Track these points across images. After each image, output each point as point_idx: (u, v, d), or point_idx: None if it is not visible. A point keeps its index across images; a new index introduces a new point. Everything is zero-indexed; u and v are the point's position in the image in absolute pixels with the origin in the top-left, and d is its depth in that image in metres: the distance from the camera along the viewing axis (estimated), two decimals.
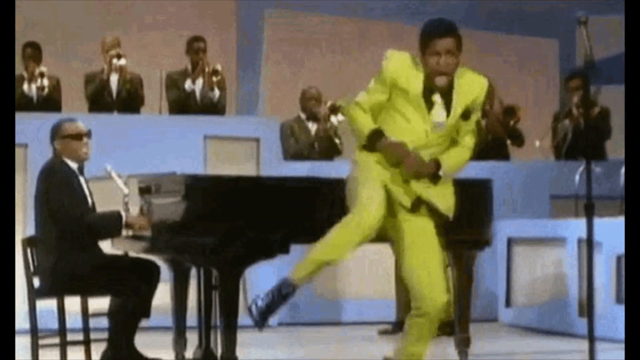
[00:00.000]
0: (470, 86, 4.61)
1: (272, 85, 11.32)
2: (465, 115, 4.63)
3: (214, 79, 8.77)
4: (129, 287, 5.34)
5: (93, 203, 5.57)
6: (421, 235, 4.64)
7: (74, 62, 9.97)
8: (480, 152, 8.70)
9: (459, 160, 4.67)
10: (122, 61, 8.74)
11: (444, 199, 4.68)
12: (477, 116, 4.72)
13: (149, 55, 10.22)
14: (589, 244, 4.55)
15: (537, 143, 9.34)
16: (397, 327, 7.35)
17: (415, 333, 4.73)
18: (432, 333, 4.73)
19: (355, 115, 4.63)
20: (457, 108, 4.59)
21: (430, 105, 4.57)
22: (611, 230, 6.80)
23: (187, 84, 8.84)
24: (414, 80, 4.57)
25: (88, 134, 5.57)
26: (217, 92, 8.83)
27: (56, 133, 5.56)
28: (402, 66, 4.60)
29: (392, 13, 11.32)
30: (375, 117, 4.62)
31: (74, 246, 5.36)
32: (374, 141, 4.55)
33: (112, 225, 5.37)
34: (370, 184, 4.59)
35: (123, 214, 5.39)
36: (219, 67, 8.82)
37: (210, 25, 10.92)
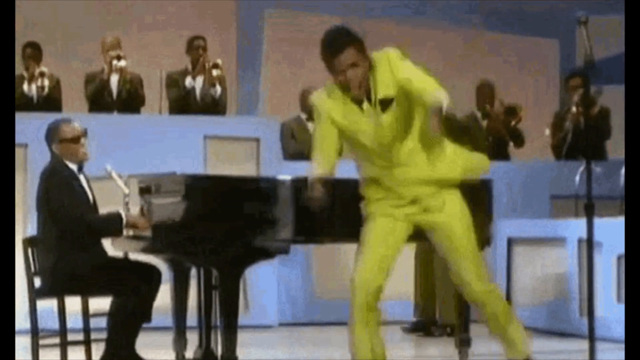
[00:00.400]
0: (381, 76, 4.44)
1: (272, 85, 11.32)
2: (386, 103, 4.46)
3: (214, 72, 8.76)
4: (130, 287, 5.33)
5: (94, 201, 5.56)
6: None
7: (74, 62, 9.97)
8: (482, 152, 8.73)
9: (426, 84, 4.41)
10: (122, 63, 8.74)
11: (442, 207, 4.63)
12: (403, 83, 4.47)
13: (149, 55, 10.22)
14: (589, 244, 4.55)
15: (547, 131, 9.37)
16: (418, 326, 7.45)
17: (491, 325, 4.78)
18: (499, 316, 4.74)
19: (316, 149, 4.57)
20: (377, 106, 4.47)
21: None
22: (611, 230, 6.79)
23: (188, 81, 8.84)
24: (342, 108, 4.49)
25: (85, 134, 5.55)
26: (218, 89, 8.82)
27: (53, 137, 5.53)
28: (329, 104, 4.52)
29: (392, 13, 11.32)
30: (336, 146, 4.56)
31: (75, 246, 5.36)
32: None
33: (112, 225, 5.36)
34: (367, 245, 4.62)
35: (123, 214, 5.39)
36: (219, 61, 8.82)
37: (210, 25, 10.92)
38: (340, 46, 4.39)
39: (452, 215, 4.65)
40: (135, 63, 9.06)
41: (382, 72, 4.48)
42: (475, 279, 4.69)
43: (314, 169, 4.55)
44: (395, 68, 4.46)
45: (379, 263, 4.62)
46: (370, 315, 4.65)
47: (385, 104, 4.48)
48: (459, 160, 4.69)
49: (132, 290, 5.35)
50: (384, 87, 4.46)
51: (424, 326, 7.53)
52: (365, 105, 4.50)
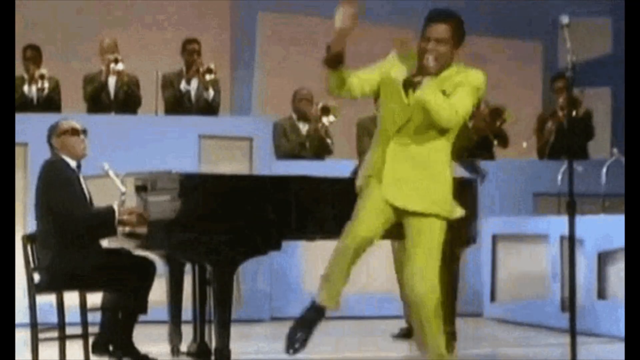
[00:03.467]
0: (457, 77, 4.52)
1: (266, 85, 11.31)
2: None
3: (207, 77, 8.76)
4: (127, 284, 5.33)
5: (90, 201, 5.57)
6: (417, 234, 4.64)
7: (73, 62, 9.94)
8: (467, 152, 8.76)
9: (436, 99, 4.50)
10: (120, 66, 8.73)
11: (427, 198, 4.65)
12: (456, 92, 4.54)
13: (149, 54, 10.19)
14: (571, 241, 4.57)
15: (525, 144, 9.36)
16: (411, 333, 7.13)
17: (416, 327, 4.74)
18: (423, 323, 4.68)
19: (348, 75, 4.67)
20: (437, 87, 4.51)
21: (412, 89, 4.54)
22: (592, 228, 6.83)
23: (182, 85, 8.84)
24: (403, 70, 4.58)
25: (84, 132, 5.57)
26: (211, 92, 8.83)
27: (53, 131, 5.55)
28: (396, 61, 4.63)
29: (388, 15, 11.31)
30: (358, 83, 4.65)
31: (73, 243, 5.36)
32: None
33: (105, 217, 5.34)
34: (364, 208, 4.64)
35: (116, 207, 5.37)
36: (212, 66, 8.82)
37: (208, 25, 10.90)
38: (440, 17, 4.52)
39: (429, 229, 4.66)
40: (134, 63, 9.04)
41: (460, 76, 4.53)
42: (421, 278, 4.63)
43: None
44: (458, 85, 4.50)
45: (375, 225, 4.67)
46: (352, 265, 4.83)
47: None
48: (448, 198, 4.69)
49: (129, 288, 5.36)
50: (442, 80, 4.51)
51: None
52: (424, 79, 4.51)
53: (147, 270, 5.43)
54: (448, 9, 4.61)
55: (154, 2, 11.13)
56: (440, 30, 4.50)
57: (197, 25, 10.68)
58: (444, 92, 4.50)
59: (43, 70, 8.72)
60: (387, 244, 7.06)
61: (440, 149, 4.63)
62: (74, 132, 5.51)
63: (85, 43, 10.19)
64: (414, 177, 4.61)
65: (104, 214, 5.36)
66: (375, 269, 8.29)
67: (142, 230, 5.35)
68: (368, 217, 4.63)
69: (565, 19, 4.59)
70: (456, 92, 4.50)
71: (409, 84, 4.55)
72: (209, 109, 8.80)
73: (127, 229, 5.40)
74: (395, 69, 4.60)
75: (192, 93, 8.86)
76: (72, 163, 5.51)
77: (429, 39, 4.51)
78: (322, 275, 4.79)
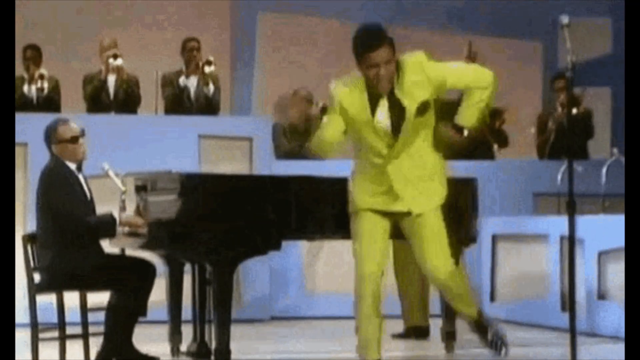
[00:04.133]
0: (412, 77, 4.59)
1: (265, 85, 11.31)
2: (422, 109, 4.63)
3: (207, 69, 8.75)
4: (127, 285, 5.33)
5: (92, 200, 5.56)
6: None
7: (73, 62, 9.93)
8: (466, 152, 8.77)
9: (474, 104, 4.71)
10: (119, 61, 8.74)
11: (425, 197, 4.71)
12: (450, 79, 4.69)
13: (149, 54, 10.18)
14: (570, 241, 4.56)
15: (532, 129, 9.40)
16: (409, 333, 6.96)
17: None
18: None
19: (321, 139, 4.78)
20: (411, 106, 4.61)
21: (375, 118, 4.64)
22: (592, 227, 6.82)
23: (182, 80, 8.83)
24: (360, 99, 4.63)
25: (82, 134, 5.54)
26: (211, 88, 8.81)
27: (52, 137, 5.51)
28: (347, 93, 4.66)
29: (386, 15, 11.30)
30: (339, 132, 4.73)
31: (73, 244, 5.35)
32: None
33: (106, 228, 5.36)
34: (363, 237, 4.80)
35: (117, 216, 5.38)
36: (211, 58, 8.81)
37: (208, 25, 10.89)
38: (379, 42, 4.55)
39: (428, 210, 4.80)
40: (134, 62, 9.04)
41: (413, 73, 4.61)
42: (441, 263, 4.83)
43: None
44: (428, 68, 4.62)
45: (380, 256, 4.80)
46: (378, 306, 4.84)
47: (421, 107, 4.62)
48: (444, 184, 4.84)
49: (129, 289, 5.35)
50: (417, 89, 4.60)
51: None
52: (383, 102, 4.62)
53: (146, 271, 5.42)
54: (375, 27, 4.63)
55: (154, 2, 11.12)
56: (384, 53, 4.54)
57: (197, 25, 10.67)
58: (423, 104, 4.60)
59: (43, 71, 8.73)
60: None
61: (427, 140, 4.76)
62: (73, 139, 5.48)
63: (85, 43, 10.18)
64: (417, 179, 4.71)
65: (104, 223, 5.36)
66: None
67: (142, 230, 5.35)
68: (368, 253, 4.77)
69: (565, 19, 4.59)
70: (450, 75, 4.65)
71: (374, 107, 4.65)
72: (209, 105, 8.79)
73: (127, 229, 5.40)
74: (350, 101, 4.65)
75: (192, 90, 8.85)
76: (72, 165, 5.50)
77: (377, 65, 4.54)
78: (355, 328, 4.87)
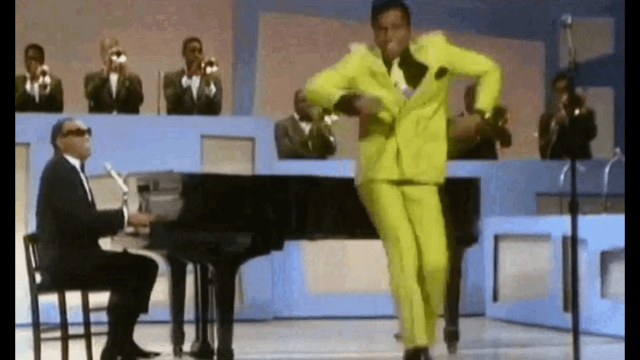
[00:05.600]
0: (431, 46, 4.70)
1: (267, 85, 11.32)
2: (441, 72, 4.70)
3: (209, 69, 8.75)
4: (128, 284, 5.33)
5: (93, 201, 5.57)
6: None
7: (74, 62, 9.91)
8: (469, 152, 8.77)
9: (492, 87, 4.78)
10: (122, 58, 8.74)
11: (427, 167, 4.75)
12: (462, 61, 4.79)
13: (149, 54, 10.17)
14: (573, 241, 4.57)
15: (535, 134, 9.40)
16: None
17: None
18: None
19: (318, 84, 4.69)
20: (431, 69, 4.67)
21: (391, 77, 4.69)
22: (595, 227, 6.82)
23: (184, 80, 8.84)
24: (375, 60, 4.68)
25: (89, 132, 5.56)
26: (212, 88, 8.82)
27: (58, 131, 5.55)
28: (364, 54, 4.72)
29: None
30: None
31: (74, 243, 5.36)
32: (350, 102, 4.59)
33: (114, 222, 5.35)
34: (389, 208, 4.72)
35: (126, 211, 5.38)
36: (213, 59, 8.82)
37: (209, 25, 10.89)
38: (388, 5, 4.63)
39: (430, 197, 4.80)
40: (134, 62, 9.04)
41: (434, 47, 4.70)
42: (441, 255, 4.78)
43: (332, 99, 4.64)
44: (446, 46, 4.73)
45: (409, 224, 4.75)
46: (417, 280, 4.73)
47: (440, 71, 4.69)
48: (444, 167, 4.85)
49: (130, 288, 5.35)
50: (435, 56, 4.68)
51: None
52: (395, 70, 4.67)
53: (147, 270, 5.42)
54: None
55: (154, 2, 11.10)
56: (394, 16, 4.64)
57: (198, 25, 10.66)
58: (442, 68, 4.68)
59: (45, 67, 8.72)
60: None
61: (441, 115, 4.79)
62: (79, 132, 5.51)
63: (85, 43, 10.16)
64: (426, 149, 4.74)
65: (114, 215, 5.36)
66: (378, 269, 8.30)
67: (144, 230, 5.35)
68: (401, 224, 4.70)
69: (568, 19, 4.59)
70: (465, 56, 4.76)
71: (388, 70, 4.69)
72: (211, 106, 8.80)
73: (131, 229, 5.40)
74: (368, 60, 4.70)
75: (194, 90, 8.85)
76: (76, 163, 5.51)
77: (385, 27, 4.63)
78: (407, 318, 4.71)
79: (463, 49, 4.81)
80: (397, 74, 4.72)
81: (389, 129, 4.72)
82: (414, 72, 4.70)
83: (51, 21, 10.58)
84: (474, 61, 4.82)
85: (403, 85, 4.72)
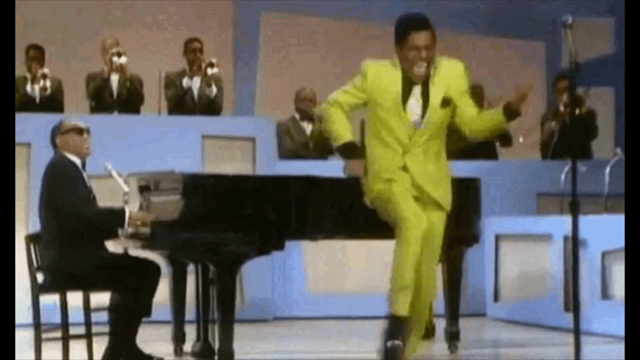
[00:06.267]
0: (447, 73, 4.72)
1: (268, 85, 11.32)
2: (445, 102, 4.71)
3: (210, 71, 8.75)
4: (129, 285, 5.33)
5: (94, 198, 5.57)
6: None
7: (74, 62, 9.92)
8: (469, 152, 8.77)
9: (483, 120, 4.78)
10: (123, 59, 8.74)
11: (442, 193, 4.80)
12: (465, 98, 4.77)
13: (149, 54, 10.17)
14: (574, 241, 4.57)
15: (521, 139, 9.38)
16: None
17: None
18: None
19: (333, 115, 4.78)
20: (436, 97, 4.70)
21: (406, 100, 4.70)
22: (596, 227, 6.83)
23: (185, 81, 8.84)
24: (392, 83, 4.69)
25: (88, 131, 5.57)
26: (213, 89, 8.82)
27: (57, 130, 5.55)
28: (379, 72, 4.72)
29: (389, 15, 11.25)
30: (349, 116, 4.78)
31: (76, 243, 5.36)
32: (347, 154, 4.75)
33: (115, 218, 5.34)
34: (399, 197, 4.74)
35: (127, 209, 5.38)
36: (214, 60, 8.82)
37: (209, 25, 10.89)
38: (425, 25, 4.66)
39: (439, 227, 4.88)
40: (134, 62, 9.04)
41: (446, 72, 4.72)
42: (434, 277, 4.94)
43: (338, 139, 4.77)
44: (458, 80, 4.74)
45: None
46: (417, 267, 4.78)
47: (445, 103, 4.72)
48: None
49: (131, 287, 5.36)
50: (440, 85, 4.70)
51: None
52: (417, 91, 4.69)
53: (147, 271, 5.41)
54: (421, 15, 4.73)
55: (154, 2, 11.09)
56: (427, 37, 4.64)
57: (198, 25, 10.66)
58: (446, 98, 4.70)
59: (45, 70, 8.73)
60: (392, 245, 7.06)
61: (443, 146, 4.85)
62: (78, 131, 5.52)
63: (85, 43, 10.16)
64: (436, 174, 4.79)
65: (116, 213, 5.36)
66: (378, 269, 8.30)
67: (145, 229, 5.35)
68: (413, 210, 4.70)
69: (569, 19, 4.59)
70: (467, 101, 4.74)
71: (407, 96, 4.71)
72: (212, 106, 8.80)
73: (131, 229, 5.40)
74: (385, 83, 4.70)
75: (195, 90, 8.85)
76: (77, 161, 5.52)
77: (417, 47, 4.62)
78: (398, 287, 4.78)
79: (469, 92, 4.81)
80: (413, 101, 4.72)
81: (400, 159, 4.76)
82: (426, 101, 4.72)
83: (51, 21, 10.58)
84: (472, 105, 4.79)
85: (416, 115, 4.73)
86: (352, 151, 4.74)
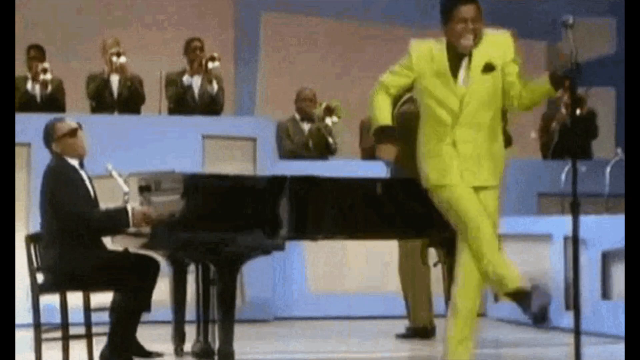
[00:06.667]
0: (491, 42, 4.76)
1: (268, 85, 11.33)
2: (488, 68, 4.74)
3: (211, 65, 8.75)
4: (129, 284, 5.34)
5: (96, 197, 5.57)
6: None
7: (74, 62, 9.92)
8: None
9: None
10: (123, 59, 8.74)
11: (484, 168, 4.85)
12: (510, 67, 4.80)
13: (149, 54, 10.18)
14: (574, 241, 4.57)
15: (533, 134, 9.39)
16: (413, 333, 6.94)
17: None
18: None
19: (375, 101, 4.84)
20: (478, 62, 4.73)
21: (456, 74, 4.73)
22: (596, 228, 6.83)
23: (185, 79, 8.83)
24: (439, 56, 4.74)
25: (80, 127, 5.55)
26: (215, 86, 8.81)
27: (50, 135, 5.52)
28: (424, 48, 4.78)
29: (388, 15, 11.27)
30: (397, 97, 4.88)
31: (76, 243, 5.36)
32: (378, 138, 4.78)
33: (118, 220, 5.33)
34: (463, 198, 4.82)
35: (129, 208, 5.36)
36: (215, 54, 8.81)
37: (209, 25, 10.91)
38: None
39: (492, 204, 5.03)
40: (135, 62, 9.05)
41: (490, 43, 4.76)
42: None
43: (374, 124, 4.83)
44: (503, 49, 4.78)
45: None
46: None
47: (488, 68, 4.74)
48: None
49: (131, 288, 5.36)
50: (483, 53, 4.73)
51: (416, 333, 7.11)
52: (463, 67, 4.73)
53: (147, 269, 5.42)
54: None
55: (154, 2, 11.11)
56: (473, 10, 4.70)
57: (198, 25, 10.68)
58: (488, 64, 4.72)
59: (45, 64, 8.70)
60: (392, 245, 7.08)
61: (498, 122, 4.88)
62: (72, 133, 5.50)
63: (85, 43, 10.18)
64: (485, 151, 4.81)
65: (118, 212, 5.35)
66: (378, 269, 8.31)
67: (147, 227, 5.35)
68: (479, 210, 4.83)
69: (569, 20, 4.59)
70: (512, 71, 4.77)
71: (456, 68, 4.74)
72: (213, 104, 8.79)
73: (132, 228, 5.41)
74: (432, 59, 4.74)
75: (195, 88, 8.85)
76: (75, 163, 5.51)
77: (464, 20, 4.68)
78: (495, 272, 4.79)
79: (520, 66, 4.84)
80: (461, 72, 4.76)
81: (449, 131, 4.77)
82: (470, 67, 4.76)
83: (51, 21, 10.59)
84: (517, 75, 4.82)
85: (463, 85, 4.76)
86: (384, 135, 4.77)
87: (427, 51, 4.77)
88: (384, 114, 4.81)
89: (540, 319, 4.73)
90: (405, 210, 5.50)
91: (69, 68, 9.59)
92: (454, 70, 4.74)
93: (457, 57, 4.73)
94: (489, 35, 4.79)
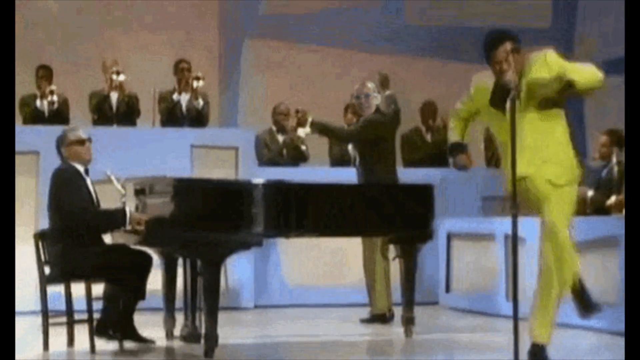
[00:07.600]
0: (538, 71, 4.63)
1: (249, 100, 11.27)
2: (530, 91, 4.63)
3: (195, 84, 8.75)
4: (124, 276, 5.38)
5: (98, 201, 5.59)
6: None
7: (74, 62, 9.63)
8: (425, 161, 8.85)
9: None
10: (122, 77, 8.74)
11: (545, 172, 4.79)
12: (556, 84, 4.60)
13: (149, 54, 10.02)
14: (513, 239, 4.63)
15: (482, 146, 9.44)
16: (375, 319, 6.93)
17: None
18: None
19: (451, 121, 5.03)
20: (523, 91, 4.64)
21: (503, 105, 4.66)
22: (533, 227, 6.89)
23: (175, 96, 8.84)
24: (487, 92, 4.74)
25: (89, 139, 5.59)
26: (200, 102, 8.82)
27: (62, 141, 5.58)
28: (483, 82, 4.79)
29: (368, 43, 10.89)
30: (467, 122, 4.95)
31: (79, 239, 5.38)
32: (452, 152, 4.98)
33: (117, 218, 5.38)
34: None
35: (127, 209, 5.40)
36: (200, 74, 8.82)
37: (204, 30, 10.54)
38: (497, 40, 4.69)
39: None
40: (134, 62, 8.87)
41: (537, 68, 4.66)
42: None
43: (450, 140, 5.01)
44: (552, 63, 4.65)
45: None
46: None
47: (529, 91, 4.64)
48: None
49: (126, 277, 5.38)
50: (525, 78, 4.65)
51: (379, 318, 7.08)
52: (511, 93, 4.61)
53: (143, 262, 5.46)
54: (495, 31, 4.78)
55: (154, 2, 10.52)
56: (502, 52, 4.65)
57: (198, 25, 10.18)
58: (530, 87, 4.63)
59: (53, 87, 8.71)
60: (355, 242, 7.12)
61: (557, 117, 4.74)
62: (80, 142, 5.54)
63: (85, 43, 9.83)
64: (543, 151, 4.71)
65: (118, 212, 5.39)
66: (341, 262, 8.35)
67: (141, 228, 5.38)
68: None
69: (508, 45, 4.61)
70: (563, 66, 4.61)
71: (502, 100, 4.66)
72: (199, 117, 8.82)
73: (129, 227, 5.43)
74: (487, 92, 4.76)
75: (183, 104, 8.87)
76: (80, 168, 5.54)
77: (499, 62, 4.66)
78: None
79: (569, 62, 4.69)
80: (509, 103, 4.59)
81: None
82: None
83: (51, 21, 10.07)
84: (577, 72, 4.60)
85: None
86: (456, 149, 4.95)
87: (483, 84, 4.78)
88: (452, 135, 4.97)
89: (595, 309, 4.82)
90: (369, 212, 5.57)
91: (69, 67, 9.21)
92: (502, 102, 4.63)
93: (502, 89, 4.66)
94: (532, 58, 4.69)
